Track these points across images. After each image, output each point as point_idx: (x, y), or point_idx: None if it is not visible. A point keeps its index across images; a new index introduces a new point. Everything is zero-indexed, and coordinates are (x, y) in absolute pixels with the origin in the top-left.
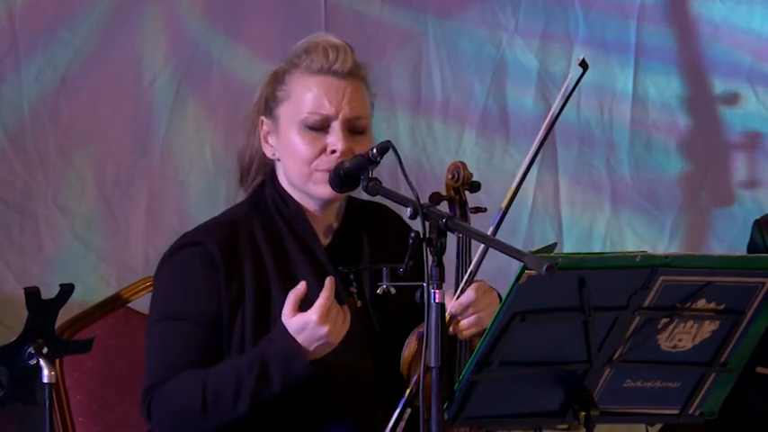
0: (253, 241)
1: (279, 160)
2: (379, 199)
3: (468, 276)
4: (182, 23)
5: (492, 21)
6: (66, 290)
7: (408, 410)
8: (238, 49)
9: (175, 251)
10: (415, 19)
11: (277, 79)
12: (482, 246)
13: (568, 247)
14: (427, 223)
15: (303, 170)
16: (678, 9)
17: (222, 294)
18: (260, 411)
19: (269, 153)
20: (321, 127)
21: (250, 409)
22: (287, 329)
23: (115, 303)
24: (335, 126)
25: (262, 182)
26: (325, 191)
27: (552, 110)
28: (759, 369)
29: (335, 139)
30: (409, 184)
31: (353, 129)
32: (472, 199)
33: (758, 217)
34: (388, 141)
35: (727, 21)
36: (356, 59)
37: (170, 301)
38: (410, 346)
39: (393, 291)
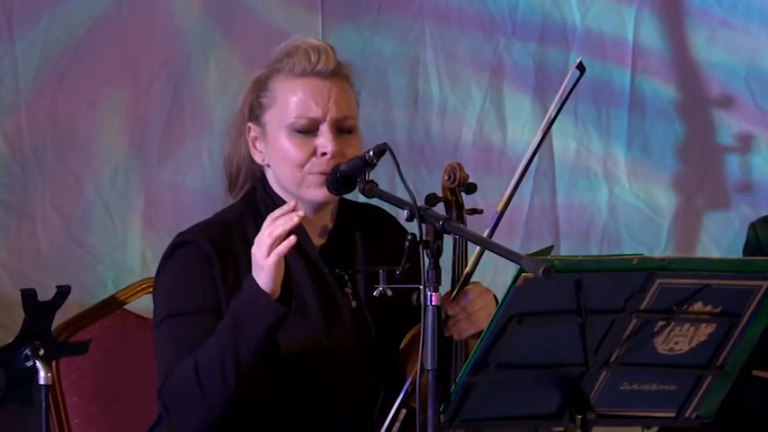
0: (245, 239)
1: (268, 166)
2: (375, 201)
3: (465, 278)
4: (179, 28)
5: (489, 23)
6: (63, 291)
7: (403, 411)
8: (234, 55)
9: (171, 252)
10: (412, 21)
11: (259, 86)
12: (478, 247)
13: (565, 250)
14: (424, 226)
15: (295, 174)
16: (675, 11)
17: (219, 286)
18: (249, 380)
19: (258, 159)
20: (309, 130)
21: (237, 373)
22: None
23: (112, 305)
24: (324, 128)
25: (253, 187)
26: (318, 194)
27: (549, 112)
28: (756, 372)
29: (325, 141)
30: (406, 186)
31: (342, 129)
32: (469, 200)
33: (754, 220)
34: (385, 144)
35: (724, 23)
36: (338, 59)
37: (171, 300)
38: (407, 341)
39: (390, 293)
